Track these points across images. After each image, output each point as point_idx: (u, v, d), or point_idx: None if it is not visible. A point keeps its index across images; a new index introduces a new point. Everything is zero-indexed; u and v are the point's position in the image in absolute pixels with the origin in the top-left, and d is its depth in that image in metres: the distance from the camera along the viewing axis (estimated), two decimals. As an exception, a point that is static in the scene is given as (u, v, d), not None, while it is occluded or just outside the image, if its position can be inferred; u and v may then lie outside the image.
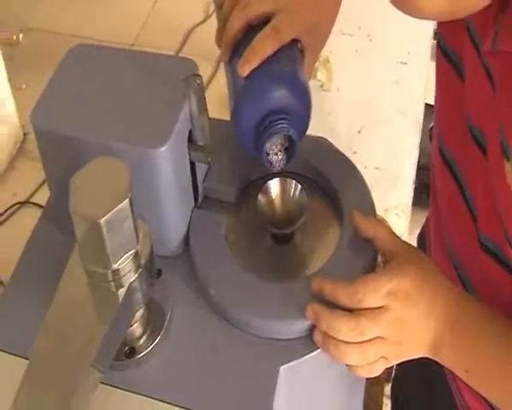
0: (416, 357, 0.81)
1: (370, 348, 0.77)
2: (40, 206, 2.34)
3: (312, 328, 0.79)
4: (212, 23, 2.99)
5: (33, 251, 0.90)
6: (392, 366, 1.92)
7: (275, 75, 0.83)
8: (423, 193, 2.10)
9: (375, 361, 0.78)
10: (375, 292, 0.76)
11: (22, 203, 2.43)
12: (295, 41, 0.86)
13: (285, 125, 0.81)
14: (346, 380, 0.91)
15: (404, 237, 1.90)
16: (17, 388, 0.69)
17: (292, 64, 0.84)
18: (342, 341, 0.77)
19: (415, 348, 0.80)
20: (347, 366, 0.79)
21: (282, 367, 0.78)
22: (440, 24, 0.86)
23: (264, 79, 0.82)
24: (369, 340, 0.77)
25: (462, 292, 0.81)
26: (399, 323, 0.77)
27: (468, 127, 0.79)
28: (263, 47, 0.83)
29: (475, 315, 0.78)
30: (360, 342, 0.76)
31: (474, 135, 0.78)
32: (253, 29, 0.85)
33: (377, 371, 0.79)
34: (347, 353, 0.77)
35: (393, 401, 1.35)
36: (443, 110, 0.90)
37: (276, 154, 0.84)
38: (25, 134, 2.54)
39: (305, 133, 0.86)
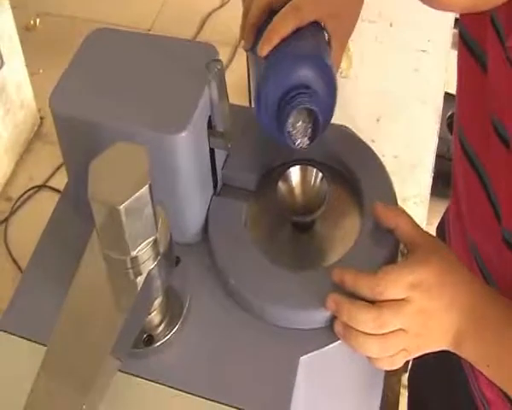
0: (438, 350, 0.80)
1: (391, 340, 0.76)
2: (57, 190, 2.35)
3: (333, 319, 0.78)
4: (229, 8, 3.01)
5: (51, 236, 0.90)
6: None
7: (296, 51, 0.81)
8: (442, 182, 2.10)
9: (395, 354, 0.77)
10: (397, 284, 0.75)
11: (39, 187, 2.43)
12: (319, 25, 0.84)
13: (306, 99, 0.79)
14: (365, 371, 0.90)
15: (423, 227, 1.88)
16: (35, 374, 0.69)
17: (314, 42, 0.83)
18: (363, 332, 0.76)
19: (437, 341, 0.79)
20: (368, 358, 0.78)
21: (301, 358, 0.77)
22: (463, 14, 0.84)
23: (285, 56, 0.81)
24: (391, 332, 0.75)
25: (484, 285, 0.80)
26: (421, 315, 0.76)
27: (490, 120, 0.77)
28: (283, 25, 0.81)
29: (500, 309, 0.77)
30: (381, 334, 0.75)
31: (496, 128, 0.77)
32: (275, 14, 0.84)
33: (398, 363, 0.78)
34: (368, 344, 0.76)
35: (410, 392, 1.34)
36: (463, 101, 0.89)
37: (300, 132, 0.83)
38: (41, 118, 2.54)
39: (330, 117, 0.84)
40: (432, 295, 0.76)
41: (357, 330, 0.76)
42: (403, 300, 0.75)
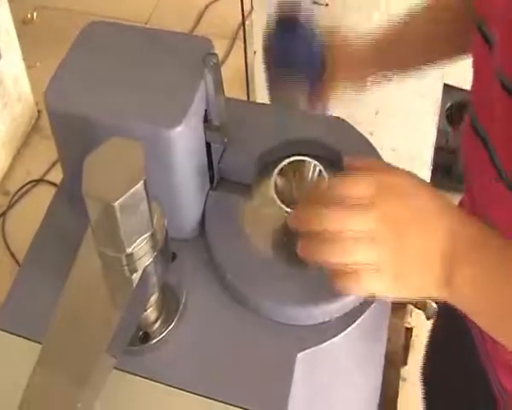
0: (423, 285, 0.71)
1: (356, 246, 0.68)
2: (54, 184, 2.34)
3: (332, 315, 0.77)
4: (226, 1, 2.99)
5: (47, 232, 0.89)
6: (408, 349, 1.91)
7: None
8: (441, 175, 2.09)
9: (363, 268, 0.68)
10: (357, 185, 0.69)
11: (36, 181, 2.43)
12: None
13: None
14: (363, 367, 0.90)
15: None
16: (29, 372, 0.68)
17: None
18: (328, 238, 0.68)
19: (418, 259, 0.69)
20: (333, 277, 0.69)
21: (299, 354, 0.76)
22: None
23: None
24: (355, 237, 0.68)
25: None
26: (392, 221, 0.68)
27: (499, 81, 0.74)
28: None
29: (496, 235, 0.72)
30: (344, 238, 0.68)
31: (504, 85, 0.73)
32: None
33: (366, 282, 0.68)
34: (328, 248, 0.68)
35: (425, 384, 1.32)
36: (476, 80, 0.87)
37: None
38: (39, 112, 2.54)
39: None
40: (403, 202, 0.70)
41: (318, 235, 0.69)
42: (368, 204, 0.68)
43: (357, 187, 0.69)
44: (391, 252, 0.69)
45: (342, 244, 0.68)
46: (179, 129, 0.77)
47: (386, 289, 0.70)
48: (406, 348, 1.86)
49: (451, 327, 1.05)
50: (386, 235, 0.68)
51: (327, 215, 0.68)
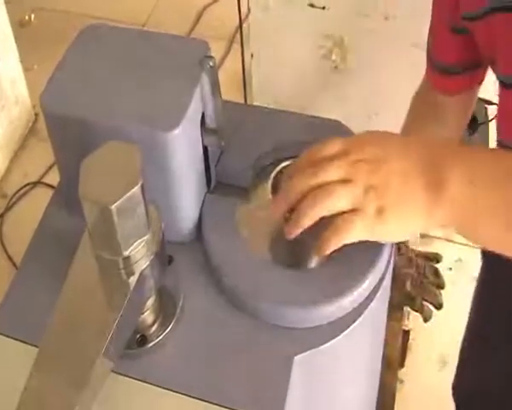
0: (411, 211, 0.70)
1: (334, 193, 0.69)
2: (51, 186, 2.34)
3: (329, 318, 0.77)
4: (224, 3, 3.00)
5: (44, 235, 0.89)
6: (405, 352, 1.91)
7: None
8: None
9: (347, 215, 0.70)
10: (325, 145, 0.71)
11: (34, 184, 2.42)
12: None
13: None
14: (360, 369, 0.90)
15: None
16: (27, 375, 0.68)
17: None
18: (307, 198, 0.71)
19: (398, 185, 0.69)
20: (320, 243, 0.71)
21: (296, 357, 0.76)
22: None
23: None
24: (333, 186, 0.70)
25: None
26: (365, 161, 0.69)
27: None
28: None
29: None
30: (323, 189, 0.70)
31: None
32: None
33: (352, 226, 0.70)
34: (308, 207, 0.70)
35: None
36: None
37: None
38: (36, 114, 2.54)
39: None
40: (375, 144, 0.71)
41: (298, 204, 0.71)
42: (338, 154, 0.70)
43: (325, 147, 0.71)
44: (368, 188, 0.69)
45: (321, 196, 0.70)
46: (176, 132, 0.77)
47: (372, 227, 0.70)
48: (403, 350, 1.86)
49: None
50: (362, 174, 0.69)
51: (298, 179, 0.71)
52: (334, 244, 0.72)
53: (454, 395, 1.34)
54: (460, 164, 0.69)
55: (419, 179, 0.69)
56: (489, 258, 1.02)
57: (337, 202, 0.70)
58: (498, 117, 0.93)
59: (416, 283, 1.27)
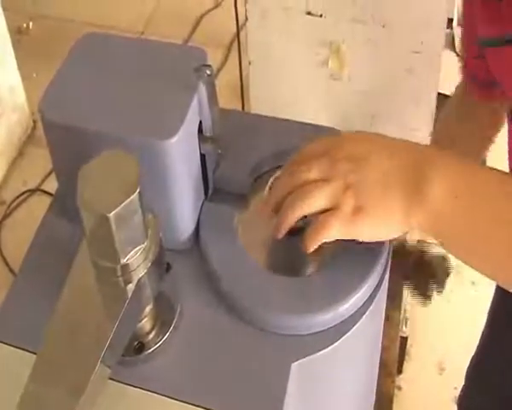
0: (388, 210, 0.69)
1: (313, 192, 0.71)
2: (50, 194, 2.34)
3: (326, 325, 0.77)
4: (223, 10, 3.01)
5: (42, 242, 0.89)
6: (403, 358, 1.91)
7: None
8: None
9: (325, 215, 0.71)
10: (306, 149, 0.73)
11: (32, 191, 2.43)
12: None
13: None
14: (358, 376, 0.90)
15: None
16: (24, 382, 0.68)
17: None
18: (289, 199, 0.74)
19: (376, 183, 0.69)
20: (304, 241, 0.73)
21: (293, 364, 0.77)
22: None
23: None
24: (311, 187, 0.71)
25: None
26: (343, 160, 0.70)
27: None
28: None
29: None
30: (302, 190, 0.72)
31: None
32: None
33: (329, 226, 0.71)
34: (289, 209, 0.73)
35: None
36: None
37: None
38: (34, 122, 2.54)
39: None
40: (354, 143, 0.72)
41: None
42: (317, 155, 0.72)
43: (311, 147, 0.73)
44: (346, 187, 0.69)
45: (300, 197, 0.72)
46: (173, 140, 0.77)
47: (348, 226, 0.70)
48: (401, 356, 1.87)
49: None
50: (341, 172, 0.70)
51: (281, 181, 0.74)
52: (313, 243, 0.73)
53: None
54: (444, 172, 0.68)
55: (399, 182, 0.69)
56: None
57: (314, 201, 0.71)
58: (509, 144, 0.92)
59: (420, 260, 1.25)
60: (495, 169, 0.69)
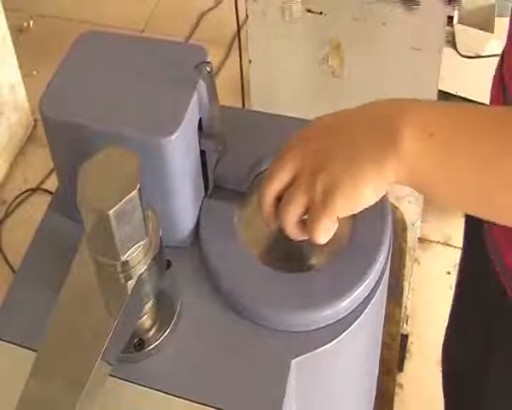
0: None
1: (301, 186, 0.71)
2: (51, 193, 2.34)
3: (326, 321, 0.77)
4: (223, 8, 3.01)
5: (42, 240, 0.89)
6: (404, 356, 1.91)
7: None
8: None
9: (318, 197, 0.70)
10: (282, 151, 0.74)
11: (33, 190, 2.43)
12: None
13: None
14: (358, 373, 0.90)
15: (417, 225, 1.89)
16: (24, 380, 0.69)
17: None
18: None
19: (347, 151, 0.67)
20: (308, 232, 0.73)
21: (293, 361, 0.77)
22: None
23: None
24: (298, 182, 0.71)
25: None
26: (317, 141, 0.70)
27: None
28: None
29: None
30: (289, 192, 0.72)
31: None
32: None
33: (331, 206, 0.69)
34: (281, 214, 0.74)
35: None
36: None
37: None
38: (35, 120, 2.54)
39: None
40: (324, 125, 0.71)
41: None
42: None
43: (282, 152, 0.74)
44: (313, 174, 0.70)
45: (286, 209, 0.73)
46: (174, 137, 0.77)
47: (325, 210, 0.70)
48: (402, 354, 1.87)
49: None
50: (307, 166, 0.71)
51: (264, 190, 0.75)
52: (319, 235, 0.73)
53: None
54: (415, 113, 0.63)
55: (366, 144, 0.66)
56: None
57: (295, 208, 0.73)
58: None
59: None
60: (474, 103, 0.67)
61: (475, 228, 0.94)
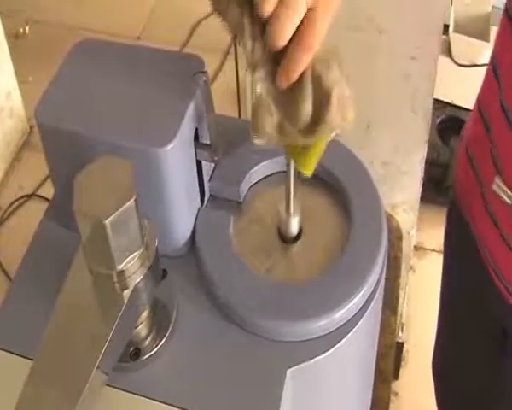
0: None
1: None
2: (47, 199, 2.34)
3: (322, 331, 0.78)
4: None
5: (38, 248, 0.89)
6: (399, 364, 1.91)
7: None
8: (431, 189, 2.10)
9: None
10: None
11: (28, 196, 2.42)
12: None
13: None
14: (353, 381, 0.90)
15: (412, 233, 1.89)
16: (20, 389, 0.68)
17: None
18: None
19: None
20: None
21: (289, 370, 0.77)
22: None
23: None
24: None
25: None
26: None
27: None
28: None
29: None
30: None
31: None
32: None
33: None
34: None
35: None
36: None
37: None
38: (31, 127, 2.54)
39: None
40: None
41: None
42: None
43: None
44: None
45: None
46: (169, 147, 0.77)
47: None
48: (397, 362, 1.87)
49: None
50: None
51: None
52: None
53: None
54: None
55: None
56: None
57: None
58: None
59: None
60: None
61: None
